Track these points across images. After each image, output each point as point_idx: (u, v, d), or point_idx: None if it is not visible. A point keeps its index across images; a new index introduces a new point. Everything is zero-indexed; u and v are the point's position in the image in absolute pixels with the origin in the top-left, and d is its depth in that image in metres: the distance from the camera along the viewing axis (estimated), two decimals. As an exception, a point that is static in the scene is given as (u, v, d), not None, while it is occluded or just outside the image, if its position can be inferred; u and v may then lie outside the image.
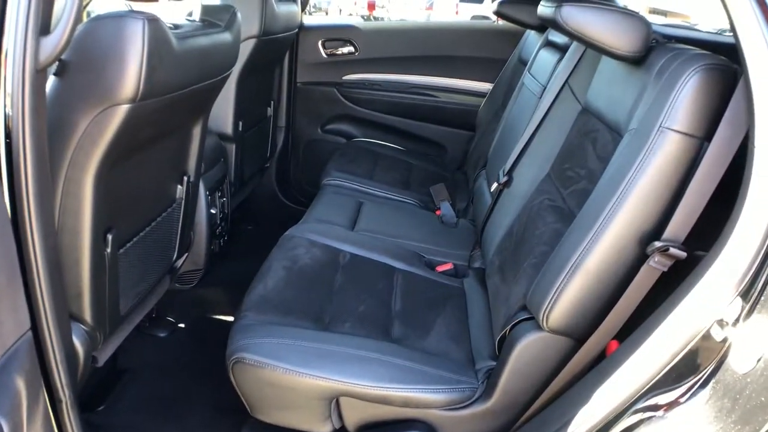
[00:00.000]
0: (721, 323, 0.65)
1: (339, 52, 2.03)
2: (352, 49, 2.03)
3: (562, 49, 1.37)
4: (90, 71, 0.77)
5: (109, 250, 0.90)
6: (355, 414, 0.87)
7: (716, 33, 1.61)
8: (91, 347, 0.91)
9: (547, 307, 0.77)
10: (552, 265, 0.81)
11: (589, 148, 0.93)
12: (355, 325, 0.94)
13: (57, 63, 0.78)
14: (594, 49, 0.86)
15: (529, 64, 1.60)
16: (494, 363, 0.88)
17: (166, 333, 1.40)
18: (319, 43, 2.01)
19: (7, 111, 0.63)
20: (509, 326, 0.86)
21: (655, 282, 0.74)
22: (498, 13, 1.74)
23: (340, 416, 0.87)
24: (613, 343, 0.78)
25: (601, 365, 0.75)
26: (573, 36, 0.85)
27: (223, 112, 1.51)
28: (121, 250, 0.95)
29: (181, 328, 1.44)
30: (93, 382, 1.16)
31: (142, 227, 1.03)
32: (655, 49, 0.84)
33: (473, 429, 0.85)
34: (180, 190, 1.14)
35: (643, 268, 0.73)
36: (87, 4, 1.35)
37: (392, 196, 1.59)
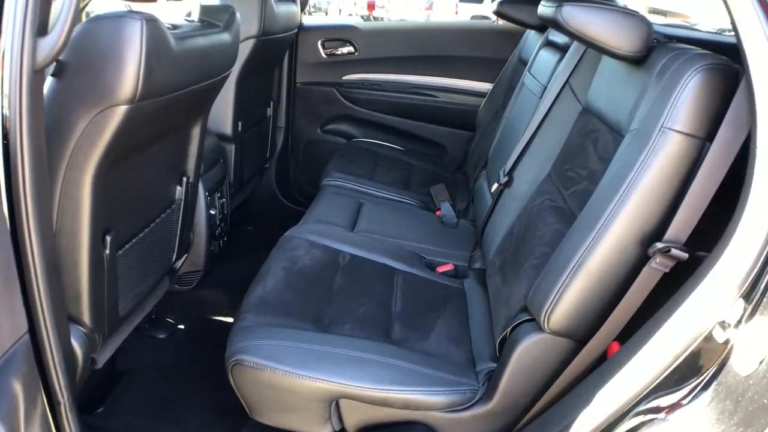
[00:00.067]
0: (723, 325, 0.64)
1: (338, 52, 2.03)
2: (351, 49, 2.02)
3: (562, 49, 1.37)
4: (88, 72, 0.77)
5: (107, 251, 0.89)
6: (355, 416, 0.86)
7: (716, 33, 1.61)
8: (90, 349, 0.91)
9: (548, 309, 0.77)
10: (553, 266, 0.80)
11: (590, 148, 0.93)
12: (355, 326, 0.94)
13: (55, 64, 0.77)
14: (595, 49, 0.86)
15: (529, 64, 1.59)
16: (495, 364, 0.88)
17: (166, 334, 1.40)
18: (319, 43, 2.01)
19: (4, 112, 0.62)
20: (510, 328, 0.85)
21: (657, 283, 0.74)
22: (498, 13, 1.73)
23: (340, 418, 0.87)
24: (614, 345, 0.78)
25: (602, 367, 0.75)
26: (573, 36, 0.85)
27: (223, 112, 1.51)
28: (120, 252, 0.95)
29: (180, 329, 1.43)
30: (92, 383, 1.15)
31: (141, 228, 1.02)
32: (656, 49, 0.84)
33: (474, 431, 0.85)
34: (179, 191, 1.14)
35: (645, 270, 0.73)
36: (86, 5, 1.35)
37: (392, 197, 1.58)
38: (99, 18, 0.79)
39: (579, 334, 0.78)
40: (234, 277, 1.37)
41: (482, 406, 0.84)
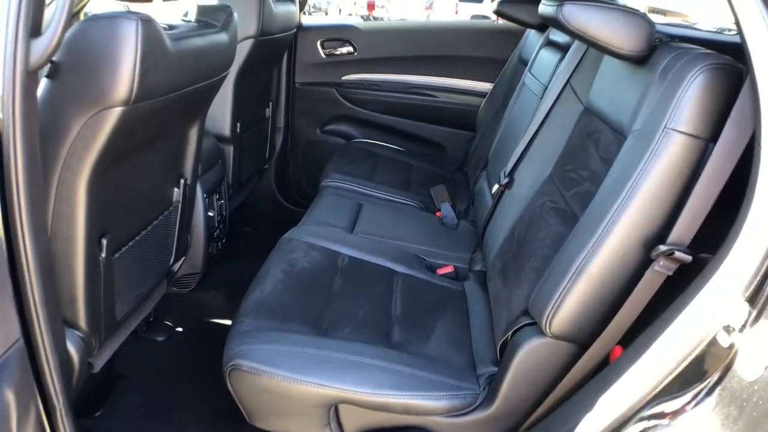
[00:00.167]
0: (727, 329, 0.63)
1: (338, 53, 2.02)
2: (351, 49, 2.01)
3: (563, 49, 1.36)
4: (82, 73, 0.76)
5: (103, 255, 0.88)
6: (354, 421, 0.85)
7: (717, 32, 1.60)
8: (87, 353, 0.90)
9: (549, 313, 0.76)
10: (554, 269, 0.79)
11: (592, 149, 0.92)
12: (355, 330, 0.93)
13: (49, 65, 0.76)
14: (596, 48, 0.84)
15: (529, 63, 1.58)
16: (496, 368, 0.87)
17: (164, 337, 1.39)
18: (318, 43, 2.00)
19: (-3, 115, 0.61)
20: (511, 331, 0.84)
21: (660, 285, 0.73)
22: (498, 13, 1.73)
23: (339, 423, 0.86)
24: (617, 349, 0.77)
25: (604, 372, 0.74)
26: (575, 35, 0.83)
27: (221, 113, 1.50)
28: (116, 255, 0.94)
29: (178, 332, 1.42)
30: (89, 387, 1.15)
31: (138, 231, 1.01)
32: (658, 49, 0.83)
33: (475, 436, 0.84)
34: (177, 193, 1.13)
35: (648, 273, 0.72)
36: (84, 5, 1.34)
37: (392, 198, 1.57)
38: (94, 18, 0.78)
39: (581, 338, 0.77)
40: (233, 278, 1.36)
41: (483, 410, 0.83)
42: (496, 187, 1.27)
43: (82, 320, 0.87)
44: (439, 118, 2.01)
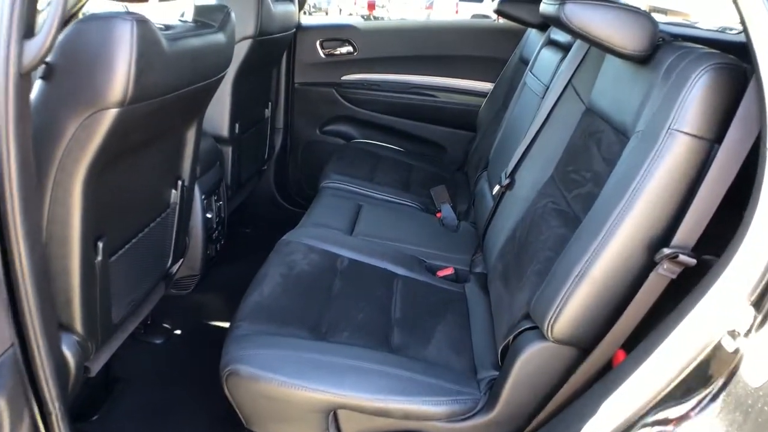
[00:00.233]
0: (732, 334, 0.62)
1: (337, 52, 2.01)
2: (350, 49, 2.00)
3: (564, 48, 1.34)
4: (77, 74, 0.75)
5: (99, 258, 0.87)
6: (353, 427, 0.84)
7: (719, 31, 1.59)
8: (83, 357, 0.89)
9: (551, 317, 0.75)
10: (557, 272, 0.78)
11: (594, 149, 0.91)
12: (354, 334, 0.91)
13: (44, 66, 0.75)
14: (599, 47, 0.83)
15: (530, 63, 1.57)
16: (497, 373, 0.86)
17: (162, 340, 1.38)
18: (317, 43, 1.99)
19: (-11, 117, 0.60)
20: (512, 335, 0.83)
21: (663, 288, 0.72)
22: (498, 12, 1.72)
23: (338, 429, 0.85)
24: (620, 353, 0.76)
25: (607, 377, 0.73)
26: (577, 35, 0.82)
27: (219, 114, 1.48)
28: (113, 258, 0.93)
29: (177, 335, 1.41)
30: (86, 391, 1.14)
31: (135, 233, 1.00)
32: (661, 48, 0.81)
33: (475, 441, 0.83)
34: (174, 195, 1.12)
35: (652, 276, 0.70)
36: (82, 5, 1.33)
37: (392, 199, 1.56)
38: (89, 19, 0.77)
39: (583, 343, 0.76)
40: (232, 280, 1.35)
41: (484, 415, 0.82)
42: (497, 188, 1.25)
43: (78, 324, 0.86)
44: (439, 118, 2.00)
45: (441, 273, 1.20)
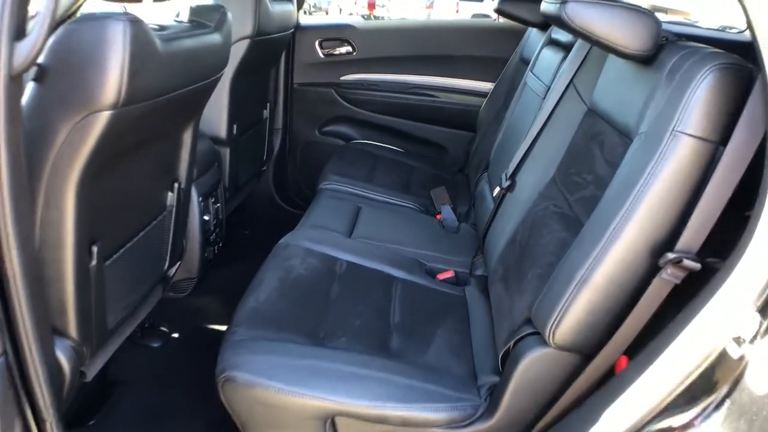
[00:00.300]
0: (737, 340, 0.61)
1: (336, 52, 1.99)
2: (349, 48, 1.99)
3: (565, 48, 1.33)
4: (69, 76, 0.73)
5: (94, 262, 0.86)
6: (351, 433, 0.83)
7: (719, 30, 1.57)
8: (78, 363, 0.88)
9: (553, 323, 0.73)
10: (558, 278, 0.77)
11: (597, 151, 0.89)
12: (352, 339, 0.90)
13: (36, 68, 0.74)
14: (601, 47, 0.82)
15: (531, 63, 1.55)
16: (497, 378, 0.85)
17: (159, 343, 1.37)
18: (316, 43, 1.97)
19: (-22, 121, 0.59)
20: (513, 341, 0.82)
21: (667, 294, 0.70)
22: (499, 11, 1.71)
23: (335, 436, 0.84)
24: (622, 359, 0.75)
25: (610, 384, 0.71)
26: (579, 34, 0.81)
27: (216, 115, 1.47)
28: (108, 262, 0.92)
29: (174, 338, 1.40)
30: (83, 395, 1.12)
31: (131, 237, 0.99)
32: (665, 48, 0.80)
33: (475, 448, 0.81)
34: (171, 197, 1.11)
35: (655, 281, 0.69)
36: (80, 6, 1.31)
37: (391, 201, 1.55)
38: (81, 20, 0.76)
39: (585, 349, 0.75)
40: (230, 283, 1.34)
41: (484, 422, 0.80)
42: (497, 189, 1.24)
43: (72, 329, 0.85)
44: (439, 118, 1.98)
45: (441, 276, 1.18)
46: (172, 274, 1.21)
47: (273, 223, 1.75)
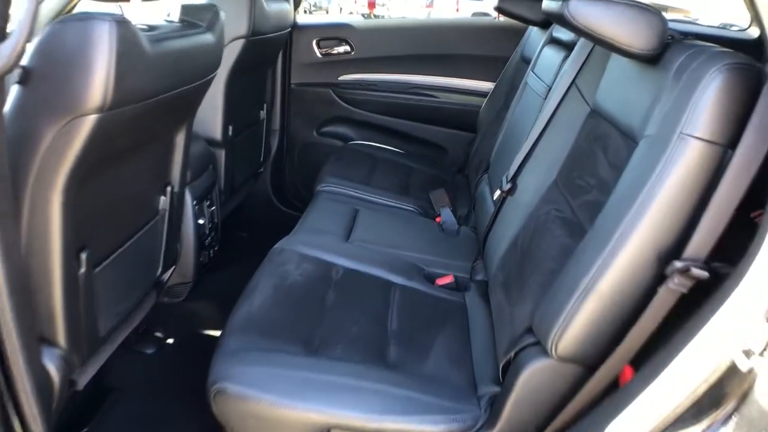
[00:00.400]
0: (747, 352, 0.59)
1: (334, 52, 1.97)
2: (347, 48, 1.96)
3: (567, 47, 1.30)
4: (54, 79, 0.71)
5: (83, 269, 0.84)
6: (347, 446, 0.81)
7: (719, 27, 1.55)
8: (68, 371, 0.86)
9: (555, 335, 0.71)
10: (561, 287, 0.74)
11: (600, 154, 0.86)
12: (348, 349, 0.88)
13: (20, 71, 0.72)
14: (605, 46, 0.79)
15: (532, 62, 1.53)
16: (497, 388, 0.82)
17: (154, 349, 1.35)
18: (314, 42, 1.95)
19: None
20: (514, 351, 0.79)
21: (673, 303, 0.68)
22: (499, 9, 1.68)
23: (331, 449, 0.81)
24: (627, 370, 0.72)
25: (615, 396, 0.69)
26: (582, 33, 0.78)
27: (211, 116, 1.45)
28: (97, 269, 0.89)
29: (169, 344, 1.38)
30: (76, 402, 1.10)
31: (122, 243, 0.97)
32: (671, 47, 0.77)
33: (475, 461, 0.79)
34: (163, 201, 1.09)
35: (661, 290, 0.66)
36: (74, 5, 1.29)
37: (390, 203, 1.52)
38: (66, 20, 0.73)
39: (589, 360, 0.72)
40: (227, 287, 1.31)
41: (484, 434, 0.78)
42: (498, 193, 1.21)
43: (61, 337, 0.83)
44: (438, 118, 1.96)
45: (440, 281, 1.16)
46: (166, 279, 1.18)
47: (270, 225, 1.72)
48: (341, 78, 1.96)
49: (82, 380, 0.93)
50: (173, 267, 1.21)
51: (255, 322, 0.90)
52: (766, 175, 0.62)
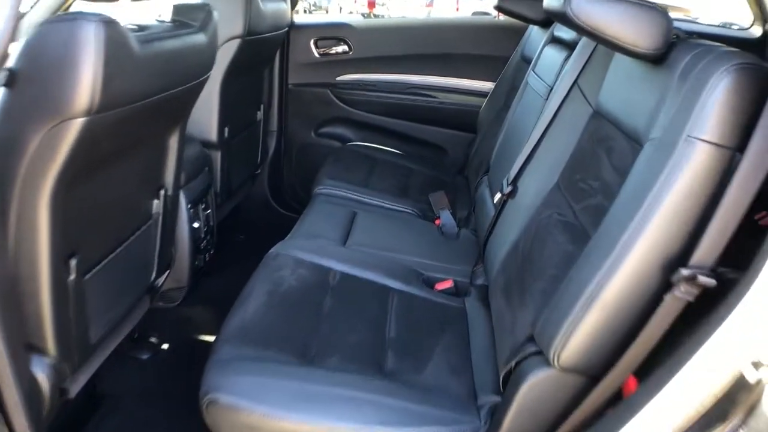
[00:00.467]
0: (756, 364, 0.57)
1: (332, 52, 1.95)
2: (345, 48, 1.94)
3: (569, 46, 1.28)
4: (40, 81, 0.69)
5: (72, 276, 0.82)
6: (343, 458, 0.79)
7: (722, 26, 1.52)
8: (58, 380, 0.84)
9: (558, 344, 0.69)
10: (564, 295, 0.72)
11: (604, 157, 0.84)
12: (344, 358, 0.85)
13: (6, 73, 0.70)
14: (608, 46, 0.76)
15: (533, 62, 1.50)
16: (498, 398, 0.80)
17: (149, 355, 1.33)
18: (311, 42, 1.93)
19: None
20: (515, 361, 0.77)
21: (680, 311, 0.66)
22: (499, 8, 1.66)
23: (326, 461, 0.79)
24: (631, 380, 0.70)
25: (618, 408, 0.67)
26: (584, 32, 0.75)
27: (207, 117, 1.43)
28: (88, 276, 0.87)
29: (164, 349, 1.36)
30: (68, 410, 1.08)
31: (113, 248, 0.95)
32: (676, 46, 0.75)
33: (474, 473, 0.77)
34: (156, 205, 1.06)
35: (667, 298, 0.64)
36: (69, 5, 1.27)
37: (388, 206, 1.50)
38: (53, 21, 0.71)
39: (592, 370, 0.70)
40: (223, 291, 1.29)
41: (484, 446, 0.76)
42: (498, 195, 1.19)
43: (50, 346, 0.81)
44: (438, 119, 1.93)
45: (439, 286, 1.13)
46: (160, 284, 1.16)
47: (268, 227, 1.70)
48: (339, 78, 1.94)
49: (74, 388, 0.92)
50: (168, 271, 1.19)
51: (248, 330, 0.88)
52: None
